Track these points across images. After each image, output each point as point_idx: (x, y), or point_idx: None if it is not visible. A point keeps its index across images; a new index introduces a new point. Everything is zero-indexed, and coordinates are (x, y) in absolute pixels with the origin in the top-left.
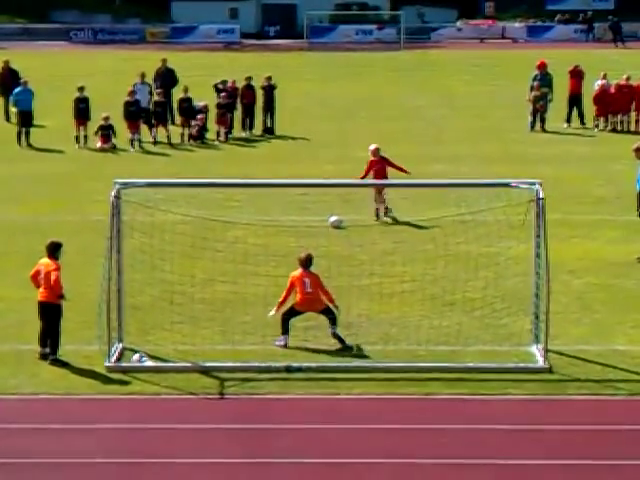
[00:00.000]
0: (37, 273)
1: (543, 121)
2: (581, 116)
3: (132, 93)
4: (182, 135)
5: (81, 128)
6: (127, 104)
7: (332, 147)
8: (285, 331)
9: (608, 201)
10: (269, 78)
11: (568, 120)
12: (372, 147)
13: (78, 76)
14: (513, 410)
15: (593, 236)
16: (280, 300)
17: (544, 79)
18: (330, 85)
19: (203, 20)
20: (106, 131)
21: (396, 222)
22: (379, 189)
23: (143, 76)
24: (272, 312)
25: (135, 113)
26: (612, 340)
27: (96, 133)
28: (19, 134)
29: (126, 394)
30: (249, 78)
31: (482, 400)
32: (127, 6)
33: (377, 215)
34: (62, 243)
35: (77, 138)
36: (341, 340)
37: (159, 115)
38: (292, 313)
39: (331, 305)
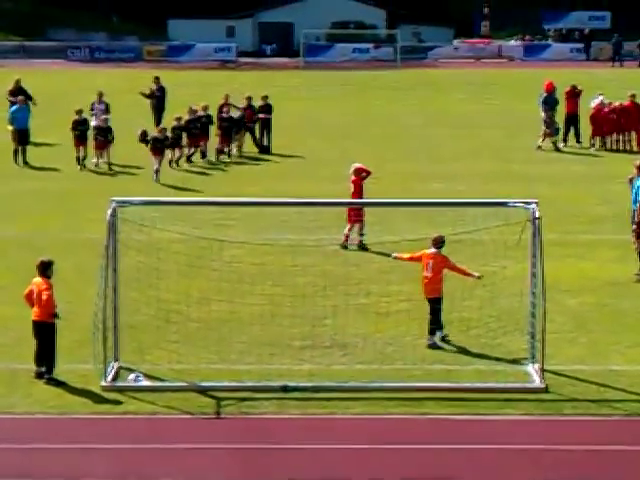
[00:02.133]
0: (30, 293)
1: (554, 142)
2: (577, 135)
3: (80, 112)
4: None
5: (81, 148)
6: (75, 122)
7: (328, 166)
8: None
9: (604, 221)
10: (265, 97)
11: (565, 139)
12: (355, 166)
13: (75, 94)
14: (509, 430)
15: (589, 256)
16: (405, 256)
17: (550, 101)
18: (327, 103)
19: (200, 38)
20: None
21: (365, 249)
22: (357, 209)
23: (101, 95)
24: (394, 255)
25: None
26: (608, 360)
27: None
28: (15, 152)
29: (122, 414)
30: (249, 98)
31: (478, 420)
32: (124, 24)
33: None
34: (53, 261)
35: (78, 159)
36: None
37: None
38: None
39: (470, 276)
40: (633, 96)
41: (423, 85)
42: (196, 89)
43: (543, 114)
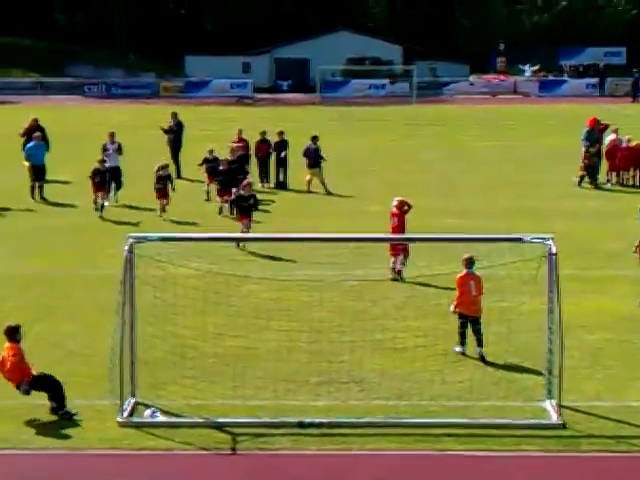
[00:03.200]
0: (3, 361)
1: (595, 179)
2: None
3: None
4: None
5: (99, 194)
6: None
7: (345, 201)
8: (462, 341)
9: (620, 256)
10: (281, 133)
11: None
12: (398, 199)
13: (91, 130)
14: (527, 466)
15: (606, 291)
16: (454, 303)
17: (591, 136)
18: (343, 139)
19: (216, 74)
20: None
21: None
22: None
23: (113, 135)
24: (452, 308)
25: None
26: (626, 396)
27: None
28: (32, 188)
29: (138, 449)
30: (264, 132)
31: (496, 456)
32: (141, 61)
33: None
34: (20, 325)
35: (95, 202)
36: (483, 359)
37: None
38: (461, 318)
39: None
40: None
41: (439, 121)
42: (212, 125)
43: (590, 150)
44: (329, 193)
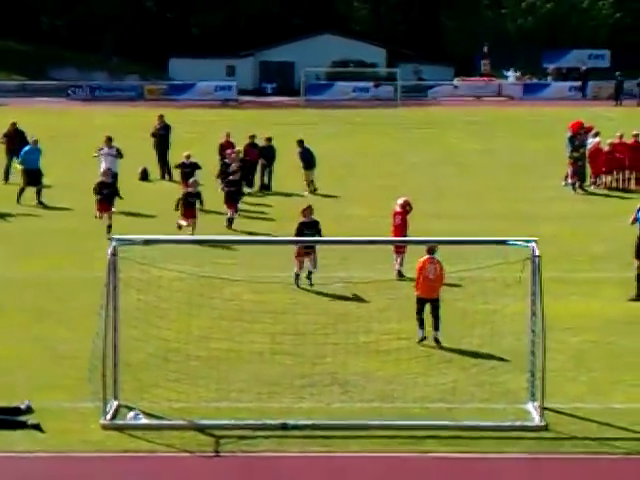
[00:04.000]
0: None
1: (582, 182)
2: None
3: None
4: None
5: (104, 214)
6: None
7: (330, 204)
8: (420, 325)
9: (605, 259)
10: (269, 139)
11: (566, 178)
12: (404, 199)
13: (76, 133)
14: (509, 468)
15: (591, 294)
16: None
17: (576, 139)
18: (327, 142)
19: (201, 77)
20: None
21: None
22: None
23: (110, 139)
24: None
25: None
26: (609, 398)
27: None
28: (21, 191)
29: (121, 452)
30: (253, 136)
31: (478, 458)
32: (125, 63)
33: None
34: None
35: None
36: (437, 342)
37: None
38: (418, 302)
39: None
40: (637, 135)
41: (424, 123)
42: (197, 127)
43: (574, 154)
44: (312, 192)
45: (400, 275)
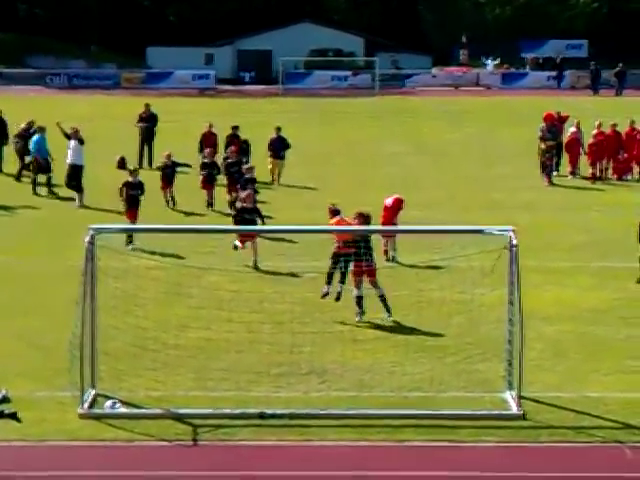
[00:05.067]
0: None
1: (550, 175)
2: (557, 164)
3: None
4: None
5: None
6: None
7: (307, 193)
8: (329, 281)
9: (582, 248)
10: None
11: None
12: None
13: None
14: (486, 457)
15: (567, 283)
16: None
17: (549, 131)
18: (305, 131)
19: (178, 66)
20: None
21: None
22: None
23: (77, 132)
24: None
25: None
26: (586, 387)
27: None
28: (34, 181)
29: (99, 441)
30: (235, 127)
31: (455, 447)
32: (102, 52)
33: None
34: None
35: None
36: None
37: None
38: (334, 257)
39: None
40: (615, 125)
41: (401, 113)
42: (175, 116)
43: (541, 145)
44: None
45: (392, 260)
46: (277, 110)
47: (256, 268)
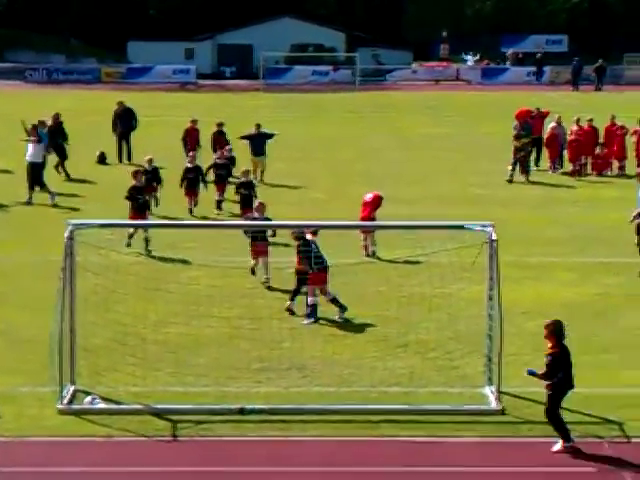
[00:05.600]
0: None
1: (527, 172)
2: (537, 159)
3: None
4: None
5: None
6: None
7: (288, 188)
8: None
9: (561, 243)
10: (221, 124)
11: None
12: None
13: (34, 115)
14: (466, 452)
15: (546, 278)
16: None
17: (523, 128)
18: (286, 126)
19: (159, 60)
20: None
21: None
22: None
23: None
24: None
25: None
26: None
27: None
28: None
29: (78, 436)
30: (221, 124)
31: (435, 442)
32: (82, 46)
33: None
34: None
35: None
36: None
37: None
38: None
39: None
40: (591, 120)
41: (382, 107)
42: (156, 111)
43: (514, 143)
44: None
45: (372, 255)
46: (258, 105)
47: (269, 288)
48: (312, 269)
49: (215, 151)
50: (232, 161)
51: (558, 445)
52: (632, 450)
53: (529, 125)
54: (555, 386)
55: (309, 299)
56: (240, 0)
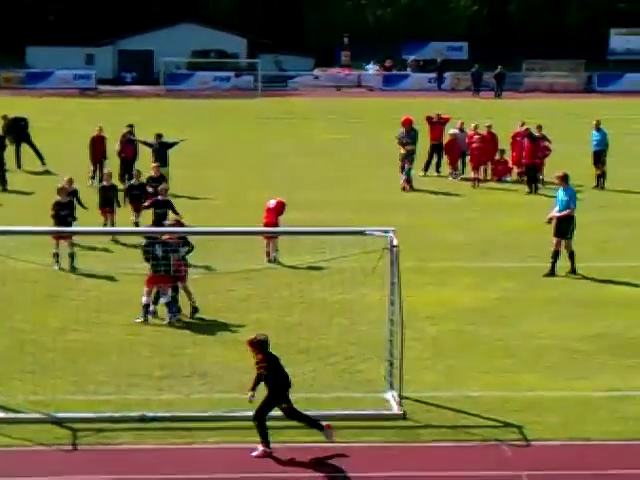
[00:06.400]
0: None
1: (409, 181)
2: (438, 165)
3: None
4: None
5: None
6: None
7: (188, 194)
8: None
9: (461, 248)
10: (131, 129)
11: (426, 168)
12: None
13: None
14: (368, 457)
15: (447, 283)
16: None
17: (409, 135)
18: (187, 132)
19: (59, 65)
20: None
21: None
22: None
23: None
24: None
25: None
26: (465, 386)
27: None
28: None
29: None
30: (130, 130)
31: (337, 447)
32: None
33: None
34: None
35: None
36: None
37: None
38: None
39: None
40: (490, 126)
41: (284, 114)
42: (55, 116)
43: (401, 150)
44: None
45: (274, 261)
46: (159, 111)
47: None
48: (154, 271)
49: (122, 158)
50: (163, 178)
51: (258, 451)
52: (531, 453)
53: (415, 132)
54: (274, 391)
55: (143, 299)
56: (140, 5)
